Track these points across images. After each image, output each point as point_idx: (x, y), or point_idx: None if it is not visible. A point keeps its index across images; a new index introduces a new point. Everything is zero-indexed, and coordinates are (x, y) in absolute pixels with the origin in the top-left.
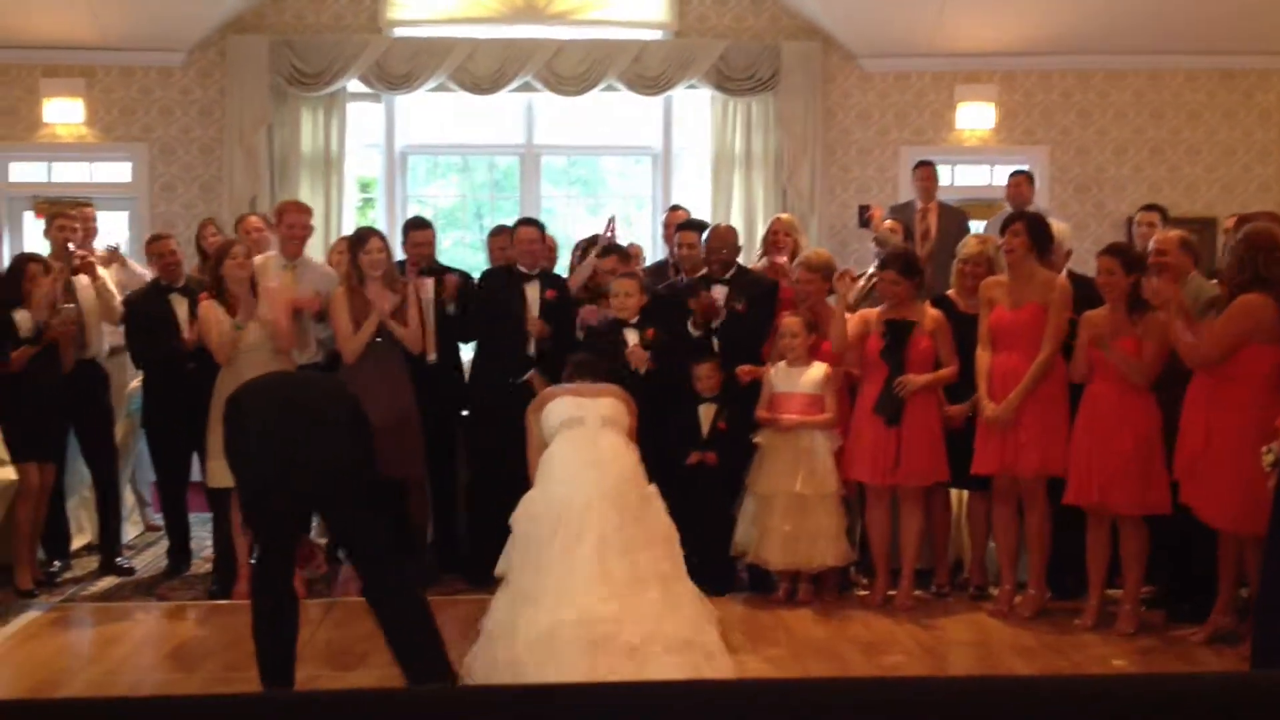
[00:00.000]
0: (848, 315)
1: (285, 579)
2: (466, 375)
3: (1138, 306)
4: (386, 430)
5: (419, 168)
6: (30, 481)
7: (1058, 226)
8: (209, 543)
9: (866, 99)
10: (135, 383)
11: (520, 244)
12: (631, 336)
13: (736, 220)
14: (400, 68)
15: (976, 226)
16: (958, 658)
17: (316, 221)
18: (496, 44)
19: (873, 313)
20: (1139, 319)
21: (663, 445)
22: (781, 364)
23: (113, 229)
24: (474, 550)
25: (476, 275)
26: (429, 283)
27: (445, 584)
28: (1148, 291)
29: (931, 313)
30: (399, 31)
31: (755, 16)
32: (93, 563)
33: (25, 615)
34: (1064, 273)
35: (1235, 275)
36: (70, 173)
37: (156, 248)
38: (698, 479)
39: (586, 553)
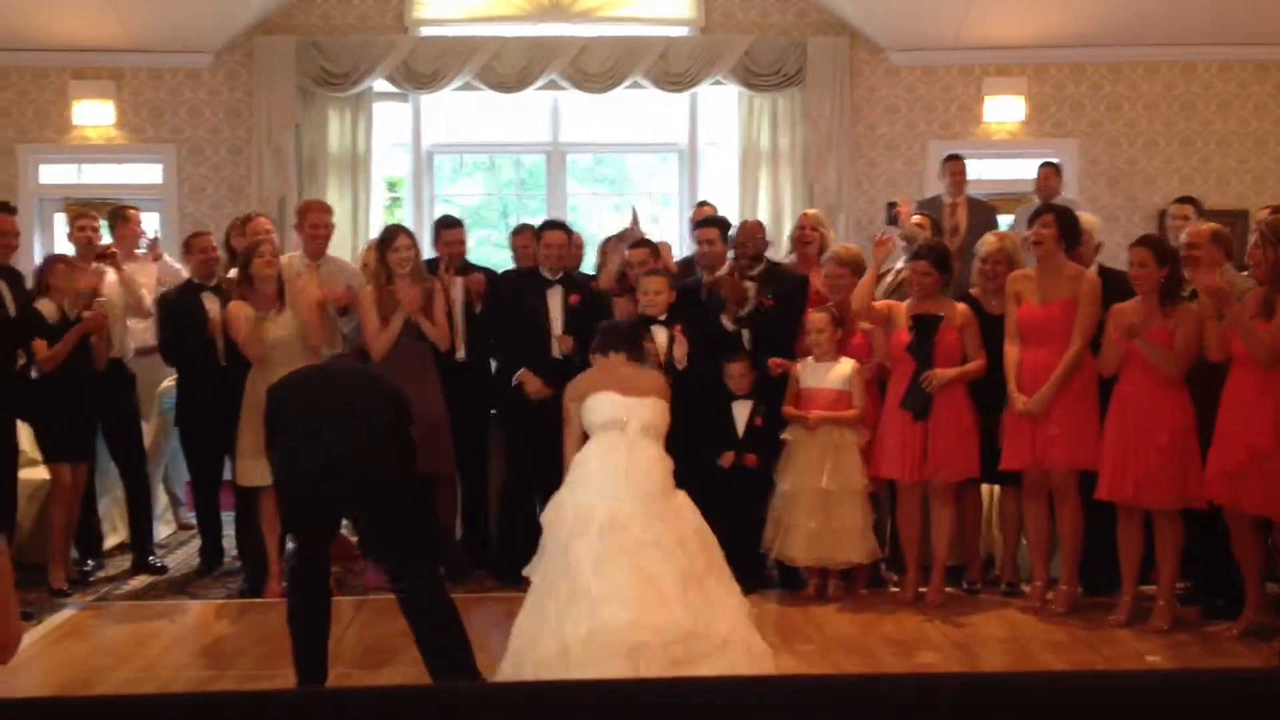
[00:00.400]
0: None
1: (321, 575)
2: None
3: (1170, 298)
4: (416, 428)
5: (445, 167)
6: (63, 482)
7: (1087, 219)
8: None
9: (894, 93)
10: (167, 382)
11: (546, 248)
12: (660, 334)
13: (763, 216)
14: (426, 67)
15: (1005, 220)
16: (990, 654)
17: (344, 221)
18: (522, 42)
19: (900, 305)
20: (1171, 311)
21: (696, 445)
22: (808, 359)
23: (154, 232)
24: (503, 548)
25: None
26: (459, 281)
27: (475, 581)
28: (1202, 290)
29: (959, 307)
30: (425, 31)
31: (781, 12)
32: (126, 562)
33: (59, 614)
34: (1094, 266)
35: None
36: (100, 174)
37: (197, 243)
38: (732, 477)
39: (617, 558)
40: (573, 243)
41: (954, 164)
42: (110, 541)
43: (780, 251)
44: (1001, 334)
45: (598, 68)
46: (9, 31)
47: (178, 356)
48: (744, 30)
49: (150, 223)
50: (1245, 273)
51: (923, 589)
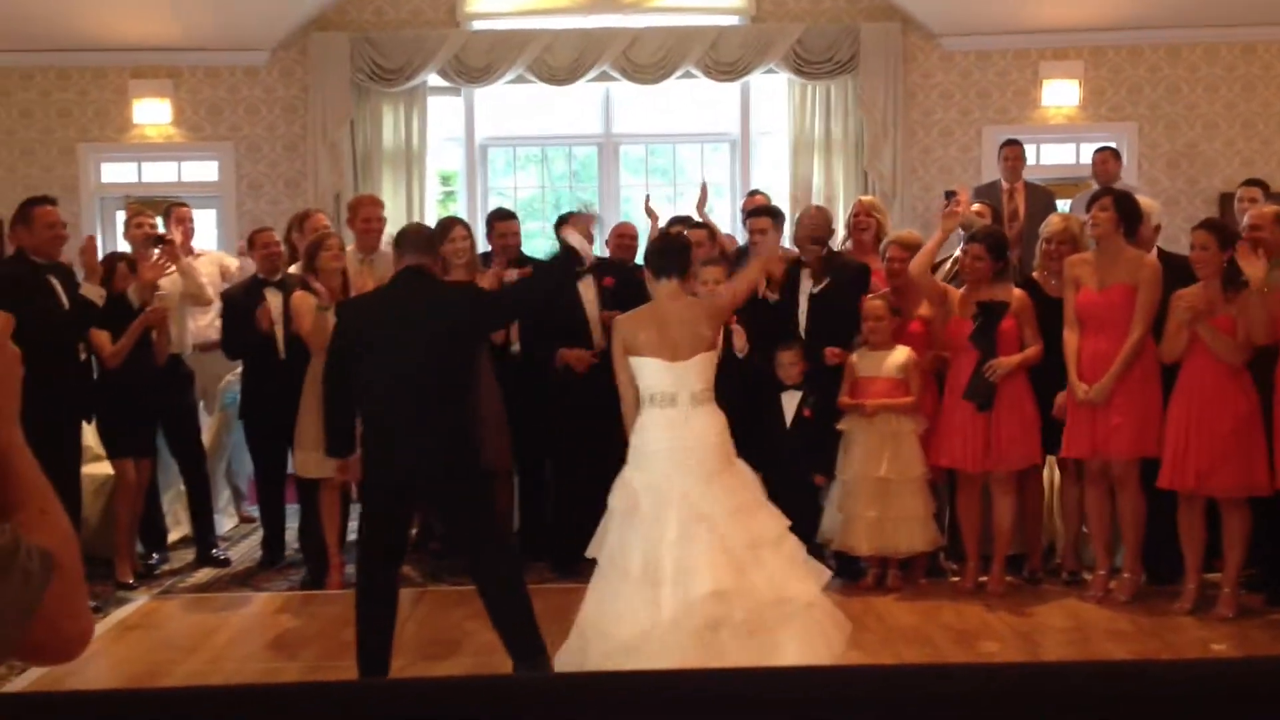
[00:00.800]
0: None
1: (391, 566)
2: None
3: (1233, 283)
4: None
5: (498, 160)
6: (127, 477)
7: (1146, 203)
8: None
9: (948, 79)
10: (229, 377)
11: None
12: None
13: (818, 204)
14: (479, 61)
15: (1063, 206)
16: (1052, 644)
17: (399, 216)
18: (573, 34)
19: (955, 290)
20: (1233, 296)
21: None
22: (864, 348)
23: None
24: (560, 539)
25: None
26: (513, 274)
27: (532, 572)
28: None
29: (1015, 292)
30: (477, 25)
31: None
32: (189, 555)
33: (125, 607)
34: (1153, 250)
35: None
36: (159, 172)
37: (259, 239)
38: (782, 467)
39: (691, 535)
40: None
41: (1011, 149)
42: (174, 535)
43: (836, 240)
44: (1060, 317)
45: (649, 58)
46: (69, 32)
47: (240, 351)
48: (795, 18)
49: (208, 220)
50: None
51: (983, 578)
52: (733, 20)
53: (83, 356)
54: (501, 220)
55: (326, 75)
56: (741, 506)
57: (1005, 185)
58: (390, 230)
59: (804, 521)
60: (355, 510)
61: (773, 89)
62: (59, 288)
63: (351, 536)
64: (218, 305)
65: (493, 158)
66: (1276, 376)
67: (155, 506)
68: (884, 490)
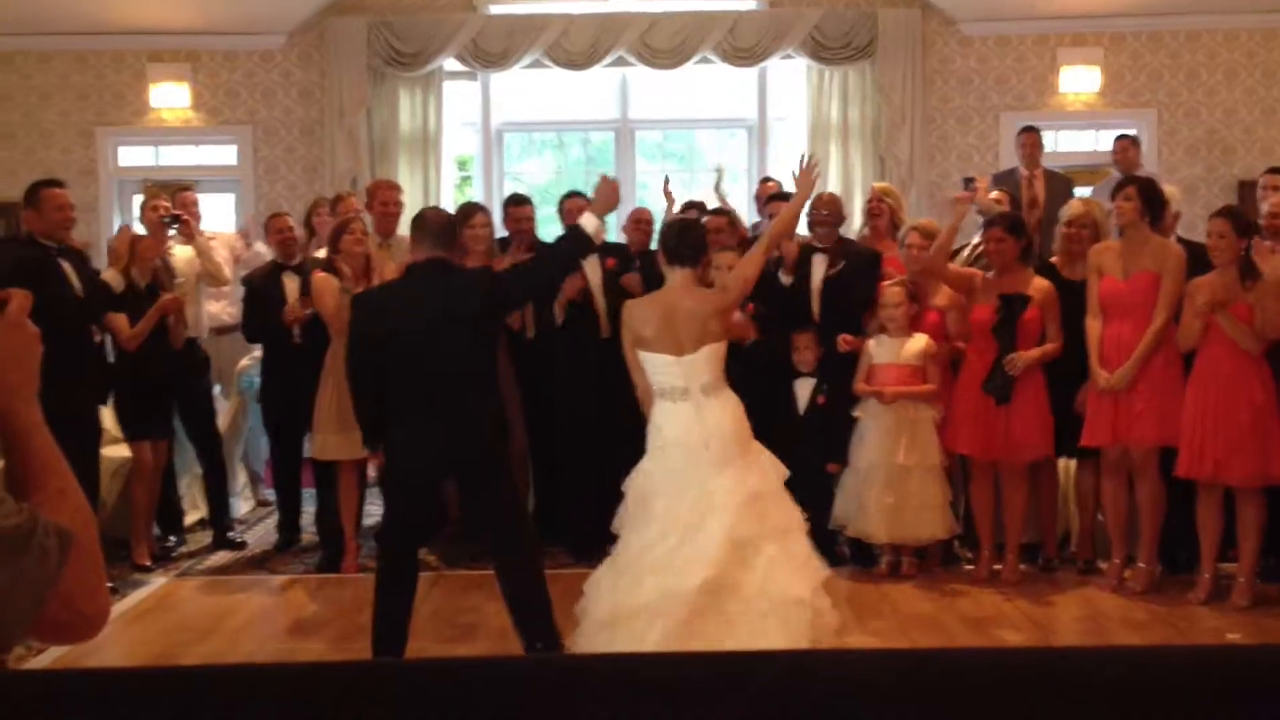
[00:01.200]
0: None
1: (412, 547)
2: None
3: (1250, 272)
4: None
5: (514, 145)
6: (144, 459)
7: (1167, 189)
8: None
9: (966, 64)
10: (246, 361)
11: (569, 217)
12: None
13: (833, 190)
14: (495, 45)
15: (1082, 193)
16: (1067, 632)
17: (416, 200)
18: (590, 19)
19: (980, 274)
20: (1251, 285)
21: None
22: (882, 335)
23: (217, 209)
24: (578, 524)
25: None
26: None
27: (549, 557)
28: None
29: (1040, 284)
30: (494, 9)
31: None
32: (206, 538)
33: (142, 589)
34: (1172, 237)
35: None
36: (177, 156)
37: (275, 224)
38: (795, 453)
39: (702, 526)
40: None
41: (1029, 136)
42: (190, 518)
43: (853, 225)
44: (1080, 301)
45: (666, 43)
46: (88, 16)
47: (259, 335)
48: (813, 3)
49: (226, 204)
50: None
51: (997, 566)
52: (750, 5)
53: (98, 339)
54: (516, 205)
55: (343, 59)
56: (753, 496)
57: (1024, 172)
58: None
59: (816, 508)
60: (372, 494)
61: (790, 74)
62: (70, 271)
63: (368, 520)
64: (236, 291)
65: (509, 143)
66: None
67: (172, 489)
68: (901, 477)
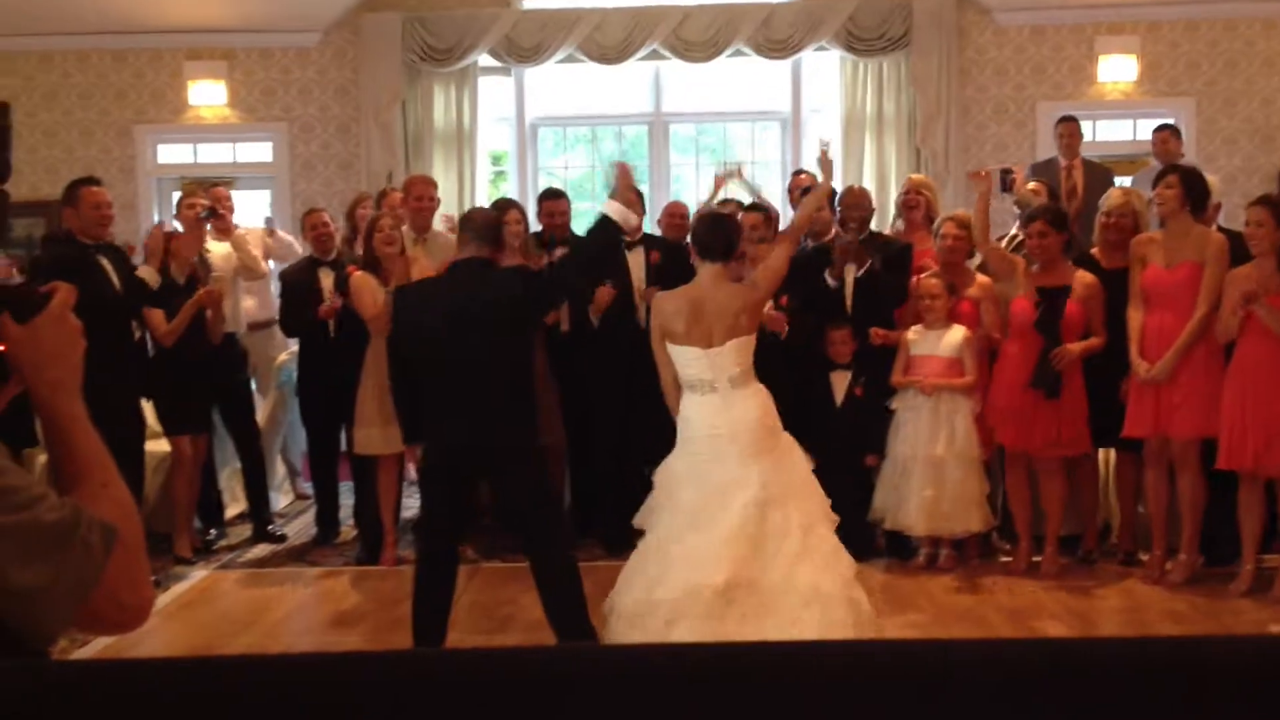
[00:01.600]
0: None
1: (452, 539)
2: None
3: None
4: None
5: (548, 140)
6: (184, 454)
7: (1208, 180)
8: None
9: (1002, 54)
10: (283, 355)
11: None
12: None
13: (868, 183)
14: (529, 40)
15: (1121, 183)
16: (1108, 624)
17: (450, 196)
18: (623, 13)
19: (1022, 263)
20: None
21: (795, 412)
22: (919, 327)
23: (254, 206)
24: (611, 517)
25: None
26: (561, 254)
27: (583, 550)
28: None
29: (1083, 277)
30: (527, 4)
31: None
32: (246, 531)
33: (184, 582)
34: (1213, 227)
35: None
36: (215, 153)
37: (310, 220)
38: (832, 446)
39: (733, 520)
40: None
41: (1068, 126)
42: (231, 511)
43: (887, 217)
44: (1121, 291)
45: (699, 36)
46: (126, 15)
47: (297, 329)
48: None
49: (262, 201)
50: None
51: (1036, 558)
52: None
53: (137, 335)
54: (551, 199)
55: (378, 56)
56: (780, 491)
57: (1062, 162)
58: (443, 212)
59: (853, 500)
60: (409, 487)
61: (824, 66)
62: (109, 267)
63: (406, 513)
64: (273, 287)
65: (543, 137)
66: None
67: (212, 483)
68: (939, 470)
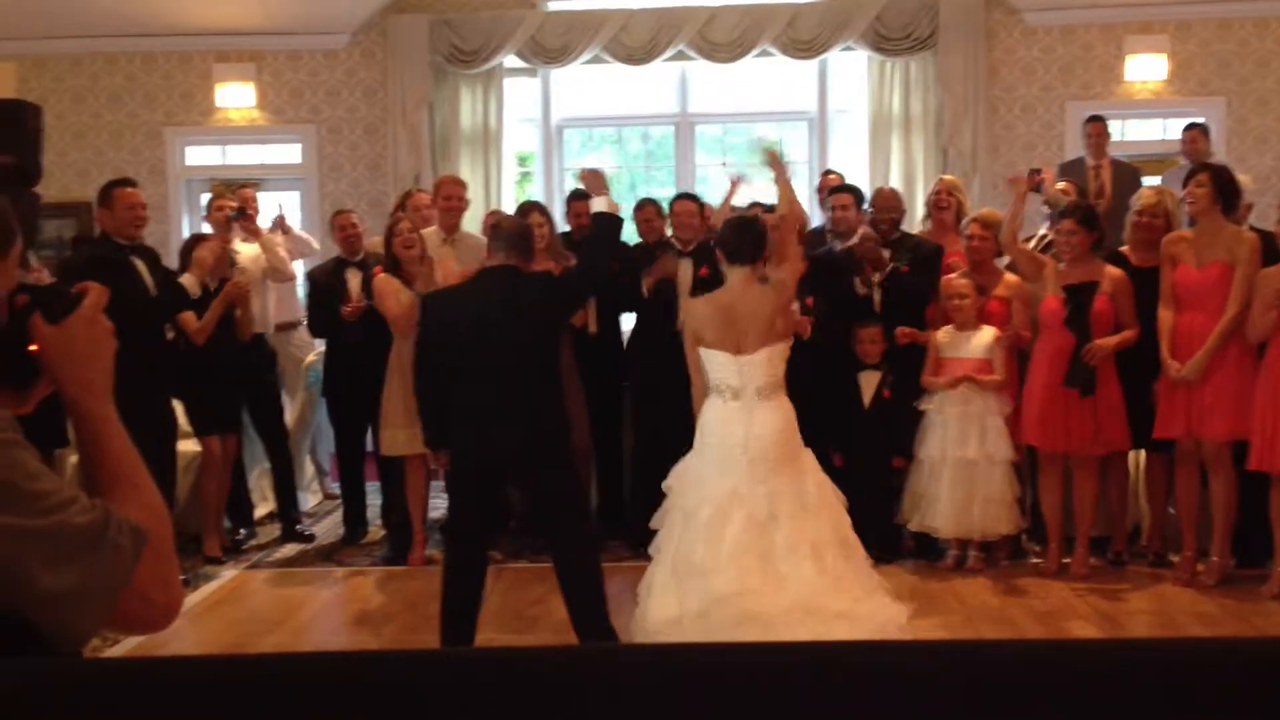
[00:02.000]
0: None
1: (478, 544)
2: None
3: None
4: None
5: (574, 140)
6: (214, 454)
7: (1240, 179)
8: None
9: (1030, 54)
10: (312, 356)
11: (677, 217)
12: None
13: (895, 183)
14: (555, 41)
15: (1150, 183)
16: (1138, 626)
17: (477, 197)
18: (649, 14)
19: (1051, 262)
20: None
21: (823, 413)
22: (949, 328)
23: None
24: (637, 518)
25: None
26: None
27: (609, 550)
28: None
29: (1112, 272)
30: (553, 5)
31: None
32: (276, 530)
33: (214, 581)
34: (1245, 227)
35: None
36: (244, 155)
37: (338, 220)
38: (860, 447)
39: (733, 536)
40: (704, 214)
41: (1095, 126)
42: (260, 511)
43: (915, 218)
44: (1150, 289)
45: (725, 37)
46: (155, 18)
47: (324, 329)
48: None
49: (292, 202)
50: None
51: (1066, 560)
52: None
53: (170, 335)
54: (579, 200)
55: (405, 58)
56: (795, 509)
57: (1090, 162)
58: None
59: (881, 501)
60: (437, 487)
61: (851, 66)
62: (142, 269)
63: (434, 513)
64: (297, 288)
65: (569, 138)
66: None
67: (241, 483)
68: (968, 471)
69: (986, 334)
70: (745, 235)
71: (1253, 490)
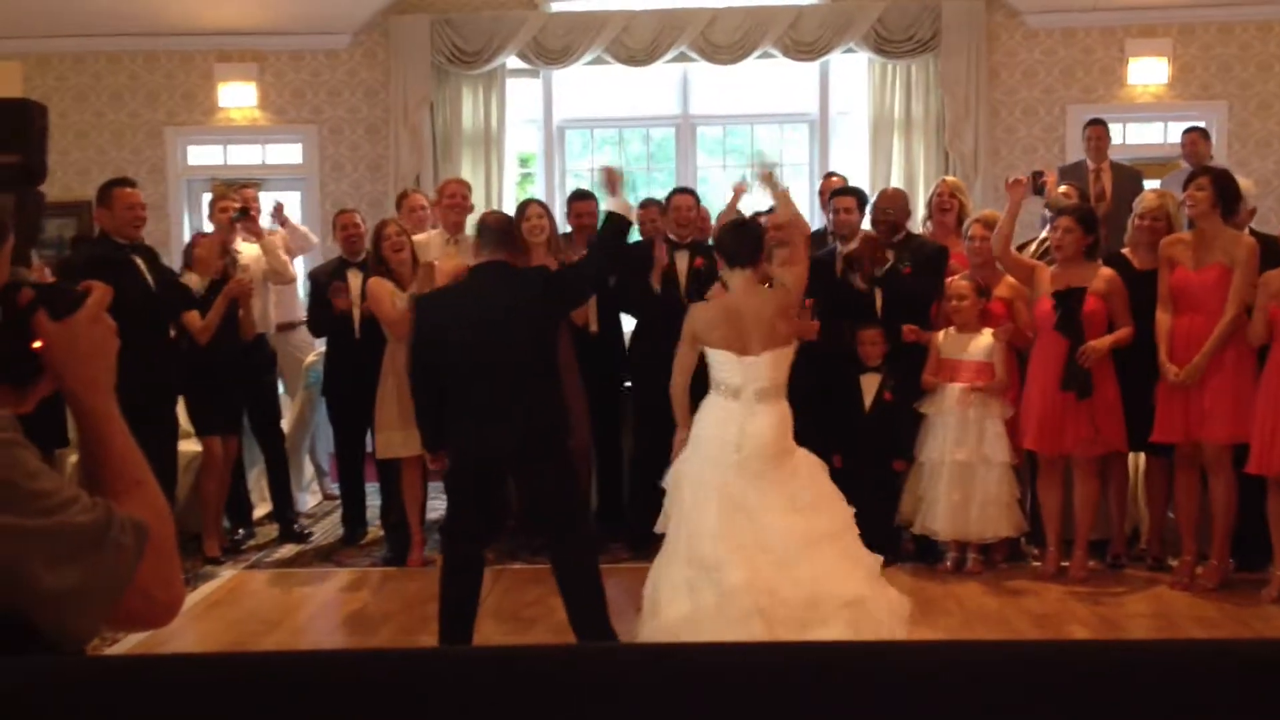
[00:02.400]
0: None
1: (476, 544)
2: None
3: None
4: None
5: (575, 141)
6: (214, 454)
7: (1241, 183)
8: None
9: (1032, 57)
10: (312, 356)
11: (675, 211)
12: None
13: (896, 185)
14: (557, 42)
15: (1151, 186)
16: (1137, 629)
17: (478, 197)
18: (651, 15)
19: (1045, 268)
20: None
21: (824, 415)
22: (950, 329)
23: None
24: (637, 519)
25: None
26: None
27: (609, 552)
28: None
29: (1103, 272)
30: (555, 6)
31: None
32: (274, 530)
33: (213, 581)
34: (1246, 231)
35: None
36: (245, 155)
37: (340, 220)
38: (860, 449)
39: (731, 529)
40: (700, 214)
41: (1096, 129)
42: (260, 511)
43: (916, 220)
44: (1152, 291)
45: (727, 38)
46: (157, 18)
47: (324, 329)
48: None
49: (293, 202)
50: None
51: (1064, 563)
52: None
53: (172, 335)
54: (579, 200)
55: (407, 58)
56: (793, 504)
57: (1091, 166)
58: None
59: (881, 503)
60: (435, 488)
61: (852, 68)
62: (143, 267)
63: (432, 514)
64: (298, 288)
65: (570, 139)
66: None
67: (241, 483)
68: (968, 474)
69: (988, 336)
70: (743, 238)
71: (1252, 494)
